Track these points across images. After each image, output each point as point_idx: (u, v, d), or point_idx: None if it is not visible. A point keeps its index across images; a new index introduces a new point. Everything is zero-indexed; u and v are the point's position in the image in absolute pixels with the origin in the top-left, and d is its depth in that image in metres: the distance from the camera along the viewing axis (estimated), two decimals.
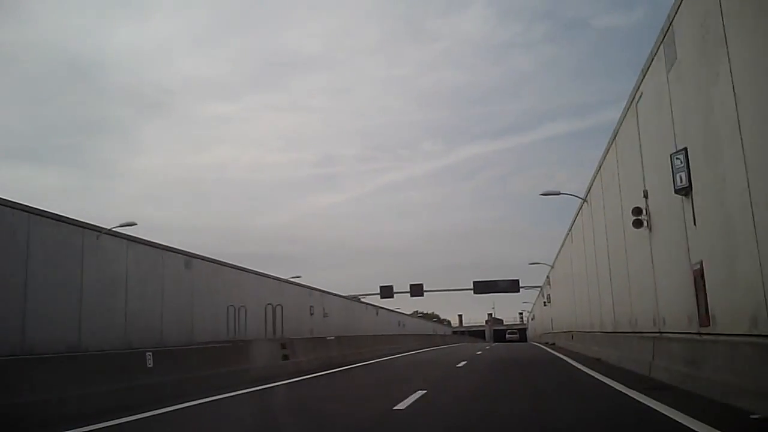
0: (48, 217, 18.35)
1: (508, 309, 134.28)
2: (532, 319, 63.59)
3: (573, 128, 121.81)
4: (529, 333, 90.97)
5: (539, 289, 45.26)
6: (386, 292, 49.67)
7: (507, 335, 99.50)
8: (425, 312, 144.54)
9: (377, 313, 49.72)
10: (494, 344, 54.42)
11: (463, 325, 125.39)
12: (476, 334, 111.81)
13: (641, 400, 7.57)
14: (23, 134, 78.33)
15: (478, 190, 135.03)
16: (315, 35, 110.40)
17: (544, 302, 38.75)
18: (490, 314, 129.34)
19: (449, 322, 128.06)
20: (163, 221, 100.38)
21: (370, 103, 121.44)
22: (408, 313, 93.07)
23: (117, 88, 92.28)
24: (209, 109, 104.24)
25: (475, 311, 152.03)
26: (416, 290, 48.79)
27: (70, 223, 19.47)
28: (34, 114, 79.46)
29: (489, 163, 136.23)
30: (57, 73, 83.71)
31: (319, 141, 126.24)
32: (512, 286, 46.66)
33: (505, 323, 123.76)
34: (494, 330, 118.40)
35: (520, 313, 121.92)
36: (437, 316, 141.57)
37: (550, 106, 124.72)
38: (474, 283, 49.59)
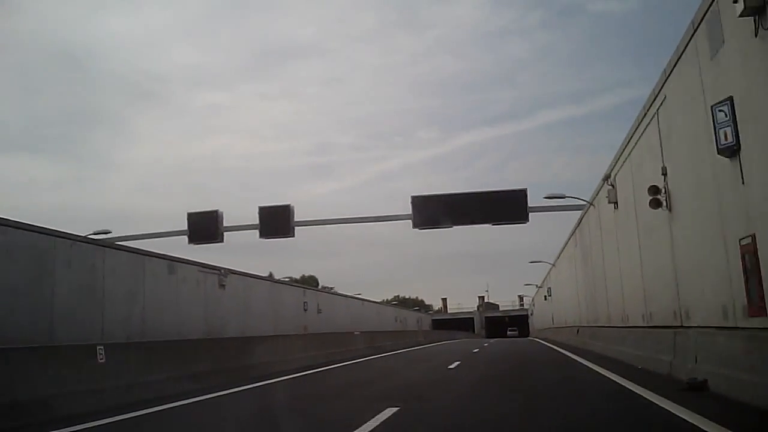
0: None
1: (506, 291, 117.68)
2: (545, 298, 36.46)
3: (569, 115, 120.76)
4: (534, 322, 64.49)
5: (583, 212, 18.18)
6: (201, 230, 21.92)
7: (509, 331, 76.47)
8: (406, 297, 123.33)
9: (224, 287, 22.47)
10: (488, 343, 33.38)
11: (448, 311, 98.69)
12: (463, 323, 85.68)
13: None
14: (15, 125, 74.60)
15: (474, 177, 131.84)
16: (308, 23, 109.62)
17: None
18: (482, 297, 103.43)
19: (440, 309, 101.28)
20: (158, 211, 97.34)
21: (365, 92, 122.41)
22: (382, 300, 78.90)
23: (109, 78, 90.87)
24: (202, 99, 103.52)
25: (463, 295, 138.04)
26: (270, 223, 21.52)
27: None
28: (26, 104, 77.09)
29: (485, 151, 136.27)
30: (48, 63, 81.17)
31: (314, 130, 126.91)
32: (511, 206, 19.50)
33: (501, 309, 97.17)
34: (486, 318, 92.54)
35: (520, 296, 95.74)
36: (421, 302, 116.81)
37: (546, 92, 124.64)
38: (413, 200, 21.55)
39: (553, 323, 34.97)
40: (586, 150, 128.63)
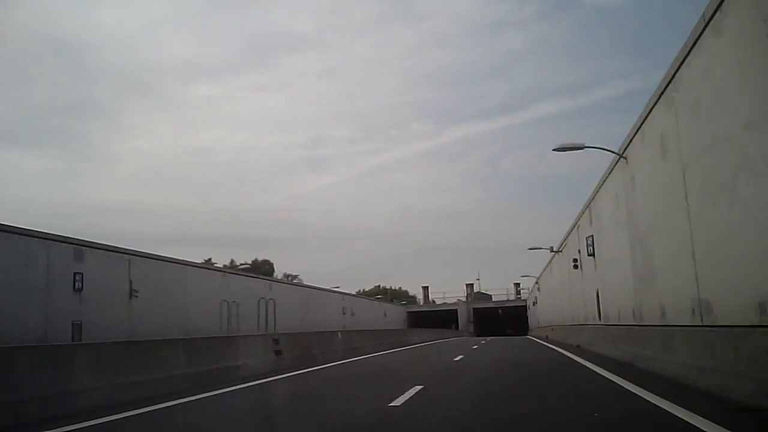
0: None
1: (500, 280, 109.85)
2: (575, 265, 16.58)
3: (564, 108, 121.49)
4: (537, 316, 45.73)
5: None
6: None
7: (507, 329, 63.84)
8: (388, 287, 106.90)
9: None
10: (479, 346, 22.20)
11: (430, 301, 79.37)
12: (446, 317, 66.91)
13: None
14: (5, 117, 77.59)
15: (468, 170, 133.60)
16: (303, 14, 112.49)
17: None
18: (471, 285, 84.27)
19: (427, 299, 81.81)
20: (152, 205, 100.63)
21: (359, 84, 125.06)
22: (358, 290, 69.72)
23: (102, 69, 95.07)
24: (196, 91, 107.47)
25: (450, 285, 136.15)
26: None
27: None
28: (17, 96, 78.02)
29: (479, 144, 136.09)
30: (41, 55, 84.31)
31: (309, 122, 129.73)
32: None
33: (494, 299, 78.20)
34: (475, 311, 73.58)
35: (517, 284, 77.53)
36: (405, 293, 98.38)
37: (541, 85, 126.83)
38: None
39: (599, 316, 15.77)
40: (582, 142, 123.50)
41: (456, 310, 67.95)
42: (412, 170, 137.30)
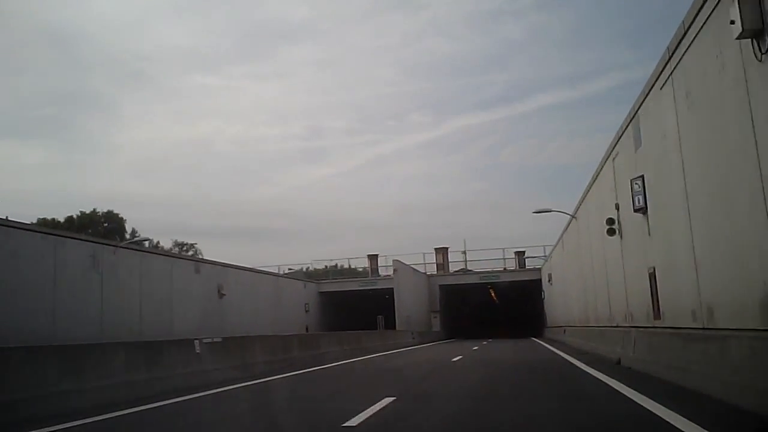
0: None
1: (487, 236, 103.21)
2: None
3: (563, 99, 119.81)
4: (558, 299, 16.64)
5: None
6: None
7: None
8: (345, 267, 77.36)
9: None
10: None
11: (379, 273, 46.11)
12: (384, 301, 34.65)
13: None
14: (1, 107, 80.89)
15: (467, 161, 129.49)
16: (300, 3, 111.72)
17: None
18: (444, 249, 50.57)
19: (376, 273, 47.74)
20: (150, 196, 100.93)
21: (357, 74, 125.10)
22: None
23: (98, 59, 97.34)
24: (193, 81, 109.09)
25: (425, 242, 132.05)
26: None
27: None
28: (12, 86, 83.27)
29: (479, 135, 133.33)
30: (35, 44, 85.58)
31: (306, 113, 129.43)
32: None
33: (483, 272, 45.52)
34: (446, 289, 40.26)
35: (520, 252, 46.12)
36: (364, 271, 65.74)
37: (540, 76, 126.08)
38: None
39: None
40: (581, 133, 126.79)
41: (391, 288, 34.46)
42: (411, 161, 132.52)
